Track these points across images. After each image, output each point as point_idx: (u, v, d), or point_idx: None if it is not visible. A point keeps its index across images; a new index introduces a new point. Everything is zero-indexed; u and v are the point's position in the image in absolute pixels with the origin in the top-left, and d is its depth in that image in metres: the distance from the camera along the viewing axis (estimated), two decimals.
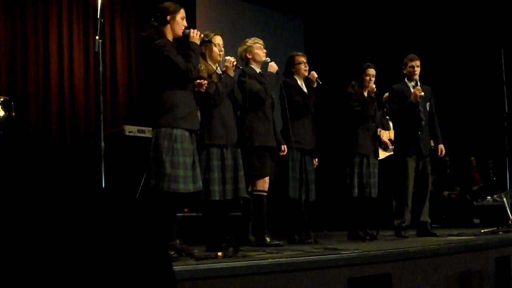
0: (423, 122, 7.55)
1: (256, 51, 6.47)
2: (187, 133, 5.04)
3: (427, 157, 7.59)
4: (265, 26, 11.70)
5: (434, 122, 7.74)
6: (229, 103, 5.84)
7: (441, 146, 7.74)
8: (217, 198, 5.59)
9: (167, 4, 5.21)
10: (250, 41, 6.51)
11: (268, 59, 6.49)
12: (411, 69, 7.62)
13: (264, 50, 6.51)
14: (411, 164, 7.50)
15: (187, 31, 5.20)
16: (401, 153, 7.54)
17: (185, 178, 4.96)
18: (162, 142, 4.93)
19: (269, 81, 6.35)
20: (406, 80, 7.71)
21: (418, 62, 7.64)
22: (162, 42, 5.03)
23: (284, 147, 6.55)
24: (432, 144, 7.74)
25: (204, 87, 5.32)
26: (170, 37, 5.16)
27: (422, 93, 7.41)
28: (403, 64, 7.72)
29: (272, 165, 6.46)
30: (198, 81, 5.27)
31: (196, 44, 5.19)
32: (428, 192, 7.73)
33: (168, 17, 5.14)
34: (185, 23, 5.22)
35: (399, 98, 7.58)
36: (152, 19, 5.20)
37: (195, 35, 5.20)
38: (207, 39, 5.64)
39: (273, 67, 6.46)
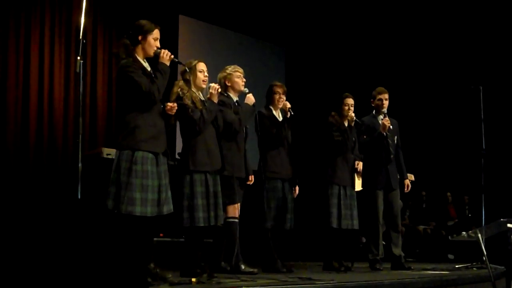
0: (392, 155, 7.59)
1: (236, 79, 6.48)
2: (150, 155, 4.88)
3: (395, 189, 7.62)
4: (247, 54, 11.75)
5: (400, 156, 7.79)
6: (213, 129, 5.82)
7: (407, 181, 7.78)
8: (202, 225, 5.54)
9: (142, 22, 5.10)
10: (230, 69, 6.52)
11: (246, 90, 6.49)
12: (379, 102, 7.66)
13: (244, 80, 6.52)
14: (381, 197, 7.51)
15: (158, 51, 5.06)
16: (371, 186, 7.55)
17: (142, 201, 4.78)
18: (122, 164, 4.81)
19: (244, 112, 6.35)
20: (374, 113, 7.76)
21: (386, 95, 7.68)
22: (128, 63, 4.93)
23: (251, 177, 6.58)
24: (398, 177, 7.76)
25: (174, 111, 5.23)
26: (140, 56, 5.05)
27: (391, 126, 7.47)
28: (372, 97, 7.76)
29: (240, 193, 6.46)
30: (168, 104, 5.18)
31: (165, 65, 5.05)
32: (400, 225, 7.74)
33: (140, 37, 5.03)
34: (158, 44, 5.09)
35: (369, 130, 7.62)
36: (124, 36, 5.11)
37: (165, 56, 5.06)
38: (189, 66, 5.60)
39: (250, 99, 6.45)
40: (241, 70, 6.54)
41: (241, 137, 6.42)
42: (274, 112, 6.96)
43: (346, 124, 7.33)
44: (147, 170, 4.85)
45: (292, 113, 6.82)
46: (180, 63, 5.61)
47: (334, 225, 7.11)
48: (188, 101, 5.56)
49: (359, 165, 7.54)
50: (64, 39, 9.65)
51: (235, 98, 6.50)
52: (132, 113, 4.91)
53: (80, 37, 5.67)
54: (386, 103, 7.65)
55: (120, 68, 4.95)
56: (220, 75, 6.55)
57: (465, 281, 6.22)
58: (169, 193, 5.06)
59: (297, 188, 7.09)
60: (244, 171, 6.43)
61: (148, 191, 4.83)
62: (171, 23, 10.65)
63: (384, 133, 7.45)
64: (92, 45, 10.01)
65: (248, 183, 6.60)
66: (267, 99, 7.01)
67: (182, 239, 5.92)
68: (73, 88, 9.51)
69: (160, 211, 4.93)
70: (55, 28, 9.56)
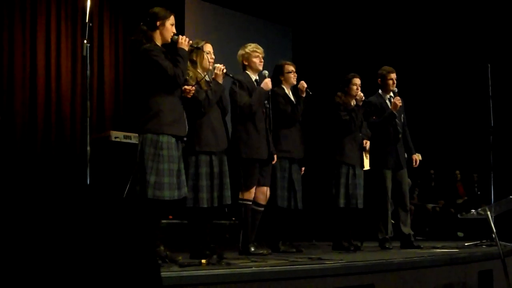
0: (400, 134, 7.58)
1: (253, 59, 6.46)
2: (173, 140, 5.02)
3: (404, 168, 7.61)
4: (253, 35, 11.69)
5: (407, 134, 7.77)
6: (218, 110, 5.84)
7: (415, 156, 7.75)
8: (205, 206, 5.57)
9: (157, 9, 5.19)
10: (249, 48, 6.49)
11: (267, 73, 6.45)
12: (390, 82, 7.62)
13: (262, 60, 6.49)
14: (389, 176, 7.50)
15: (176, 37, 5.18)
16: (379, 165, 7.53)
17: (170, 185, 4.93)
18: (147, 149, 4.91)
19: (258, 97, 6.30)
20: (380, 92, 7.73)
21: (395, 74, 7.67)
22: (151, 47, 5.01)
23: (275, 157, 6.54)
24: (406, 155, 7.74)
25: (191, 94, 5.31)
26: (158, 42, 5.14)
27: (401, 103, 7.47)
28: (379, 76, 7.72)
29: (267, 174, 6.44)
30: (186, 87, 5.27)
31: (185, 50, 5.17)
32: (408, 204, 7.73)
33: (158, 23, 5.12)
34: (174, 29, 5.21)
35: (377, 110, 7.60)
36: (141, 23, 5.18)
37: (184, 41, 5.18)
38: (195, 46, 5.62)
39: (267, 84, 6.37)
40: (260, 49, 6.52)
41: (260, 117, 6.36)
42: (286, 90, 6.95)
43: (353, 103, 7.31)
44: (172, 155, 4.99)
45: (310, 92, 6.82)
46: (199, 48, 5.69)
47: (342, 204, 7.12)
48: (193, 82, 5.56)
49: (367, 144, 7.53)
50: (71, 23, 9.65)
51: (253, 77, 6.48)
52: (155, 97, 5.01)
53: (87, 21, 5.68)
54: (395, 82, 7.64)
55: (143, 52, 5.01)
56: (239, 52, 6.55)
57: (475, 259, 6.22)
58: (184, 176, 5.20)
59: (303, 168, 7.09)
60: (266, 152, 6.34)
61: (173, 176, 4.98)
62: (177, 5, 10.62)
63: (396, 112, 7.44)
64: (99, 28, 10.01)
65: (274, 162, 6.57)
66: (278, 78, 6.95)
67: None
68: (80, 71, 9.52)
69: (179, 194, 5.09)
70: (61, 12, 9.56)
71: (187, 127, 5.24)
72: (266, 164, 6.42)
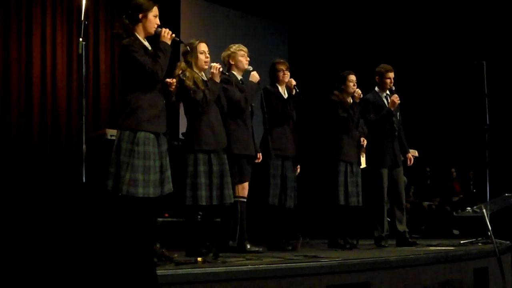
0: (396, 132, 7.58)
1: (240, 58, 6.47)
2: (152, 136, 4.89)
3: (400, 166, 7.60)
4: (249, 32, 11.71)
5: (401, 132, 7.76)
6: (216, 109, 5.82)
7: (409, 155, 7.76)
8: (204, 204, 5.56)
9: (139, 1, 5.05)
10: (234, 47, 6.51)
11: (250, 68, 6.49)
12: (388, 80, 7.61)
13: (248, 58, 6.51)
14: (386, 174, 7.50)
15: (159, 29, 5.05)
16: (376, 164, 7.52)
17: (145, 182, 4.81)
18: (124, 145, 4.82)
19: (250, 90, 6.37)
20: (377, 89, 7.72)
21: (393, 73, 7.65)
22: (130, 42, 4.91)
23: (259, 155, 6.56)
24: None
25: (174, 86, 5.24)
26: (142, 35, 5.03)
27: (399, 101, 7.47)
28: (377, 73, 7.71)
29: (249, 171, 6.48)
30: (167, 80, 5.14)
31: (167, 44, 5.04)
32: (404, 202, 7.73)
33: (140, 15, 5.00)
34: (157, 21, 5.07)
35: (375, 108, 7.59)
36: (124, 17, 5.07)
37: (166, 35, 5.05)
38: (179, 41, 5.56)
39: (254, 76, 6.46)
40: (245, 49, 6.53)
41: (248, 115, 6.43)
42: (280, 89, 6.95)
43: (349, 101, 7.30)
44: (149, 151, 4.86)
45: (298, 90, 6.83)
46: (181, 42, 5.56)
47: (342, 202, 7.11)
48: (190, 82, 5.55)
49: (364, 142, 7.54)
50: (66, 21, 9.63)
51: (239, 77, 6.50)
52: (134, 93, 4.90)
53: (82, 19, 5.66)
54: (392, 81, 7.63)
55: (122, 48, 4.94)
56: (224, 53, 6.55)
57: (471, 257, 6.23)
58: (169, 172, 5.09)
59: (298, 166, 7.09)
60: (253, 149, 6.43)
61: (150, 172, 4.86)
62: (173, 3, 10.61)
63: (393, 110, 7.45)
64: (94, 27, 10.00)
65: (257, 161, 6.59)
66: (271, 77, 6.98)
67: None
68: (76, 69, 9.50)
69: (162, 191, 4.99)
70: (56, 10, 9.55)
71: (166, 123, 5.11)
72: (251, 161, 6.48)
